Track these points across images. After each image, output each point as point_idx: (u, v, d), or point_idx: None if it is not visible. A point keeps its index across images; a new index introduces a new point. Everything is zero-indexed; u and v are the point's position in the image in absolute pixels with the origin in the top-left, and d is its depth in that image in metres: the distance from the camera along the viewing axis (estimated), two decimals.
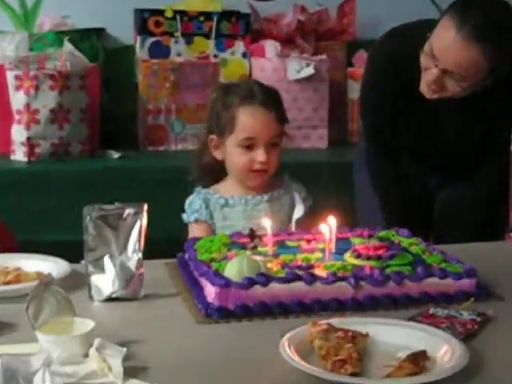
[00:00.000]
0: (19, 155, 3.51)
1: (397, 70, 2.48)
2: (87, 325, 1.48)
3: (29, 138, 3.48)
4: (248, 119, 2.29)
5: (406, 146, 2.62)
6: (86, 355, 1.43)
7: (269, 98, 2.32)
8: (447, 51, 2.28)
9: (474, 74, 2.29)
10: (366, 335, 1.47)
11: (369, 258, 1.82)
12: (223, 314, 1.64)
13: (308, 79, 3.90)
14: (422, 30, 2.37)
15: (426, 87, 2.38)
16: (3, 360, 1.32)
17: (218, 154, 2.35)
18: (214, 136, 2.34)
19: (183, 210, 2.36)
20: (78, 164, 3.54)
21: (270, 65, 3.93)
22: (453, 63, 2.28)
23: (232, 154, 2.31)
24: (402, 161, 2.66)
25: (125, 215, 1.76)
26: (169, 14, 3.95)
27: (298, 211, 2.36)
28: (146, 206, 1.76)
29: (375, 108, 2.66)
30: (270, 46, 3.99)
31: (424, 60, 2.35)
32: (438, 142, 2.57)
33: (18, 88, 3.50)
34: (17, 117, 3.51)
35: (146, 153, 3.80)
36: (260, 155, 2.27)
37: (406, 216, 2.58)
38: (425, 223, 2.63)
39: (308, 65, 3.90)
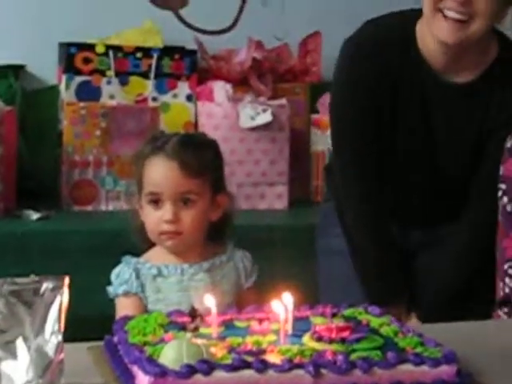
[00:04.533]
0: None
1: (383, 56, 2.62)
2: None
3: None
4: (151, 171, 2.33)
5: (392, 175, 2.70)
6: None
7: (181, 148, 2.34)
8: None
9: None
10: None
11: (331, 341, 1.83)
12: None
13: (265, 127, 3.92)
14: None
15: (446, 26, 2.49)
16: None
17: (141, 215, 2.39)
18: (138, 195, 2.39)
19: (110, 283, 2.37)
20: None
21: (220, 110, 3.94)
22: None
23: (144, 213, 2.36)
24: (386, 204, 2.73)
25: (42, 290, 1.76)
26: (100, 50, 3.96)
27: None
28: (67, 280, 1.76)
29: (353, 114, 2.72)
30: (220, 89, 4.01)
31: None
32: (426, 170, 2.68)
33: None
34: None
35: (71, 213, 3.80)
36: (165, 213, 2.30)
37: (381, 258, 2.65)
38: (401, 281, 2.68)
39: (265, 110, 3.92)
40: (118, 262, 2.37)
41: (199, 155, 2.35)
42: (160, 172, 2.31)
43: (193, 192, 2.31)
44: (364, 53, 2.66)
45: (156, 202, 2.31)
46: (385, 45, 2.59)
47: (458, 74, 2.58)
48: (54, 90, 4.00)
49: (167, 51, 4.04)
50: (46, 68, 4.06)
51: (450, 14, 2.44)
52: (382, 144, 2.65)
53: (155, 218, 2.31)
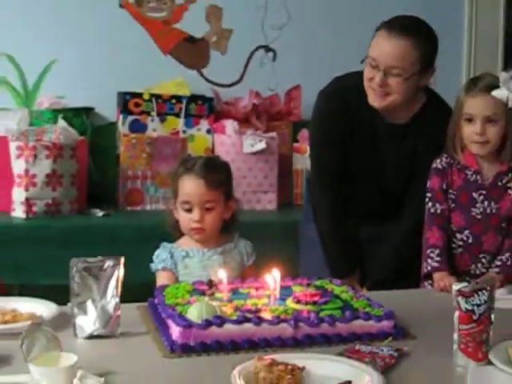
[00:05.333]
0: (18, 213, 3.49)
1: (343, 108, 2.60)
2: (71, 359, 1.48)
3: (27, 199, 3.47)
4: (185, 187, 2.31)
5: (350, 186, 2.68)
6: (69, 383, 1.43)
7: (205, 171, 2.32)
8: (384, 51, 2.45)
9: (409, 64, 2.45)
10: (303, 368, 1.48)
11: (306, 303, 1.84)
12: (185, 349, 1.65)
13: (261, 152, 3.91)
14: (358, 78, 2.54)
15: (374, 97, 2.48)
16: None
17: (176, 215, 2.37)
18: (172, 200, 2.37)
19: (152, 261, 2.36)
20: (68, 221, 3.51)
21: (230, 140, 3.94)
22: (390, 58, 2.44)
23: (178, 214, 2.34)
24: (344, 205, 2.70)
25: (105, 267, 1.77)
26: (146, 97, 3.96)
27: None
28: (122, 259, 1.77)
29: (323, 144, 2.73)
30: (230, 125, 4.00)
31: (368, 72, 2.47)
32: (374, 184, 2.67)
33: (18, 156, 3.49)
34: (17, 180, 3.50)
35: (125, 212, 3.77)
36: (194, 215, 2.29)
37: (342, 253, 2.64)
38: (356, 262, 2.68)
39: (261, 140, 3.91)
40: (157, 247, 2.37)
41: (217, 174, 2.34)
42: (191, 187, 2.30)
43: (213, 201, 2.30)
44: (330, 99, 2.66)
45: (188, 207, 2.30)
46: (346, 94, 2.58)
47: (396, 118, 2.58)
48: (113, 125, 3.98)
49: (193, 98, 4.03)
50: (108, 110, 4.04)
51: (375, 88, 2.47)
52: (343, 166, 2.65)
53: (187, 219, 2.31)
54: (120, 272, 1.77)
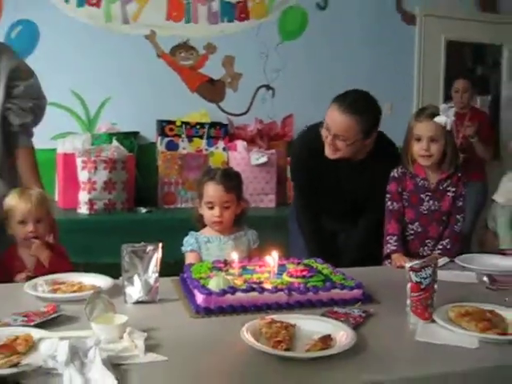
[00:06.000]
0: (83, 210, 3.51)
1: (311, 154, 2.50)
2: (123, 318, 1.48)
3: (90, 199, 3.49)
4: (208, 190, 2.30)
5: (322, 203, 2.61)
6: (121, 337, 1.43)
7: (224, 178, 2.31)
8: (334, 122, 2.36)
9: (352, 135, 2.36)
10: (294, 325, 1.49)
11: (297, 277, 1.83)
12: (207, 312, 1.65)
13: (263, 165, 3.93)
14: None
15: (327, 150, 2.42)
16: (70, 341, 1.33)
17: (200, 211, 2.36)
18: (197, 200, 2.38)
19: (182, 245, 2.35)
20: (120, 216, 3.54)
21: (240, 155, 3.95)
22: (337, 129, 2.36)
23: (203, 211, 2.33)
24: (319, 215, 2.65)
25: (147, 250, 1.77)
26: (178, 124, 3.98)
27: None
28: (160, 245, 1.77)
29: (299, 178, 2.66)
30: (240, 144, 4.01)
31: (323, 132, 2.41)
32: (340, 202, 2.59)
33: (83, 168, 3.51)
34: (82, 186, 3.52)
35: (163, 209, 3.79)
36: (216, 212, 2.28)
37: (321, 249, 2.59)
38: (332, 253, 2.64)
39: (263, 156, 3.93)
40: (186, 234, 2.36)
41: (232, 181, 2.33)
42: (213, 191, 2.29)
43: (229, 201, 2.29)
44: (302, 148, 2.61)
45: (210, 206, 2.29)
46: (313, 143, 2.49)
47: (355, 157, 2.49)
48: (153, 145, 4.00)
49: (213, 125, 4.04)
50: (149, 133, 4.06)
51: (328, 144, 2.40)
52: (315, 190, 2.61)
53: (210, 215, 2.30)
54: (159, 254, 1.77)
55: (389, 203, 2.42)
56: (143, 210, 3.64)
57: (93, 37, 4.03)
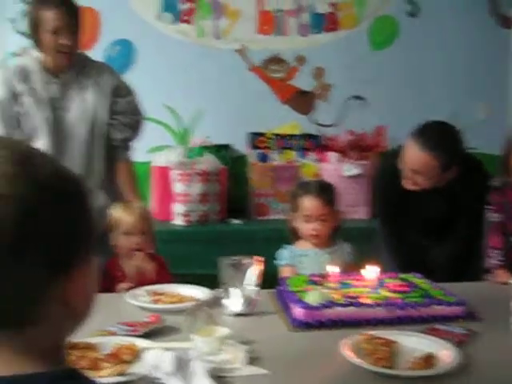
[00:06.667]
0: (178, 221, 3.59)
1: (395, 175, 2.43)
2: (223, 331, 1.51)
3: (184, 211, 3.57)
4: (306, 204, 2.29)
5: (408, 223, 2.54)
6: (222, 350, 1.46)
7: (321, 191, 2.30)
8: (411, 158, 2.31)
9: (431, 171, 2.29)
10: (395, 342, 1.47)
11: (396, 292, 1.82)
12: (305, 325, 1.66)
13: (355, 176, 3.89)
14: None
15: (405, 183, 2.37)
16: (174, 352, 1.36)
17: (294, 224, 2.35)
18: (291, 213, 2.37)
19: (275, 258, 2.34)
20: (213, 227, 3.58)
21: (332, 167, 3.92)
22: (414, 165, 2.30)
23: (299, 224, 2.32)
24: (407, 232, 2.57)
25: (244, 262, 1.80)
26: (269, 136, 4.01)
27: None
28: (259, 258, 1.79)
29: (384, 199, 2.62)
30: (332, 156, 4.00)
31: (401, 166, 2.35)
32: (426, 220, 2.52)
33: (178, 181, 3.59)
34: (177, 198, 3.59)
35: (255, 220, 3.80)
36: (312, 225, 2.27)
37: (409, 263, 2.51)
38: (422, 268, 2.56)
39: (355, 167, 3.89)
40: (279, 246, 2.36)
41: (328, 194, 2.33)
42: (310, 204, 2.28)
43: (326, 214, 2.29)
44: (385, 175, 2.58)
45: (307, 219, 2.29)
46: (394, 167, 2.40)
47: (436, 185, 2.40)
48: (245, 157, 4.03)
49: (303, 136, 4.04)
50: (241, 146, 4.10)
51: (406, 177, 2.33)
52: (397, 214, 2.53)
53: (306, 228, 2.29)
54: (259, 267, 1.78)
55: (491, 215, 2.34)
56: (236, 222, 3.68)
57: (185, 52, 4.13)
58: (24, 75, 2.46)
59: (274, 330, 1.69)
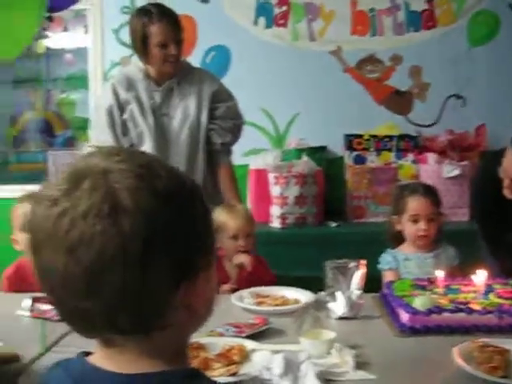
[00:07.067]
0: (275, 224, 3.62)
1: (495, 180, 2.31)
2: (330, 334, 1.52)
3: (282, 214, 3.59)
4: (414, 204, 2.26)
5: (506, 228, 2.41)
6: (329, 353, 1.47)
7: (427, 191, 2.29)
8: (509, 167, 2.19)
9: None
10: (508, 350, 1.42)
11: (507, 298, 1.76)
12: (413, 331, 1.64)
13: (456, 177, 3.80)
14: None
15: (506, 191, 2.26)
16: (284, 354, 1.38)
17: (397, 227, 2.32)
18: (394, 216, 2.34)
19: (378, 263, 2.31)
20: (310, 230, 3.58)
21: (431, 168, 3.84)
22: None
23: (405, 226, 2.28)
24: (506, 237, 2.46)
25: (349, 266, 1.80)
26: (366, 137, 3.97)
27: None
28: (364, 261, 1.79)
29: (482, 202, 2.54)
30: (431, 156, 3.91)
31: (501, 174, 2.25)
32: None
33: (275, 183, 3.62)
34: (275, 201, 3.63)
35: (352, 223, 3.77)
36: (422, 226, 2.23)
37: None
38: None
39: (456, 168, 3.79)
40: (378, 249, 2.32)
41: (434, 195, 2.31)
42: (419, 204, 2.26)
43: (434, 213, 2.26)
44: (486, 169, 2.47)
45: (415, 219, 2.26)
46: (494, 171, 2.28)
47: None
48: (341, 159, 4.00)
49: (401, 137, 3.98)
50: (337, 147, 4.07)
51: (506, 186, 2.21)
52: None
53: (414, 229, 2.26)
54: (362, 270, 1.78)
55: None
56: (333, 224, 3.66)
57: (280, 56, 4.17)
58: (129, 84, 2.56)
59: (379, 335, 1.68)
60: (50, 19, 1.90)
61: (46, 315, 1.84)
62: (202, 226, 0.78)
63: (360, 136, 3.97)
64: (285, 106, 4.11)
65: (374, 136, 3.97)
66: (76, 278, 0.69)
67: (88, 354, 0.79)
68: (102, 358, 0.76)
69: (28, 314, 1.89)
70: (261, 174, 3.77)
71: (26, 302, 1.92)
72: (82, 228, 0.68)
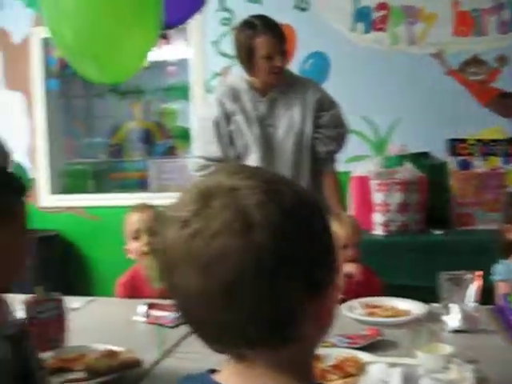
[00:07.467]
0: (378, 231, 3.58)
1: None
2: (447, 348, 1.49)
3: (384, 221, 3.55)
4: None
5: None
6: (447, 368, 1.43)
7: None
8: None
9: None
10: None
11: None
12: None
13: None
14: None
15: None
16: (402, 368, 1.36)
17: (510, 236, 2.23)
18: (506, 225, 2.25)
19: (489, 274, 2.21)
20: (413, 238, 3.51)
21: None
22: None
23: None
24: None
25: (465, 278, 1.75)
26: (471, 142, 3.86)
27: None
28: (480, 273, 1.74)
29: None
30: None
31: None
32: None
33: (378, 191, 3.59)
34: (377, 208, 3.59)
35: (458, 231, 3.66)
36: None
37: None
38: None
39: None
40: (487, 260, 2.21)
41: None
42: None
43: None
44: None
45: None
46: None
47: None
48: (445, 164, 3.89)
49: (509, 141, 3.81)
50: (440, 153, 3.97)
51: None
52: None
53: None
54: (479, 282, 1.73)
55: None
56: (437, 232, 3.57)
57: (379, 61, 4.12)
58: (234, 95, 2.61)
59: (497, 349, 1.62)
60: (163, 36, 1.96)
61: (161, 321, 1.91)
62: (326, 240, 0.79)
63: (464, 141, 3.85)
64: (385, 112, 4.06)
65: (480, 140, 3.84)
66: (212, 293, 0.72)
67: (214, 371, 0.80)
68: (230, 374, 0.78)
69: (144, 319, 1.97)
70: (363, 181, 3.74)
71: (142, 308, 2.00)
72: (216, 246, 0.71)
